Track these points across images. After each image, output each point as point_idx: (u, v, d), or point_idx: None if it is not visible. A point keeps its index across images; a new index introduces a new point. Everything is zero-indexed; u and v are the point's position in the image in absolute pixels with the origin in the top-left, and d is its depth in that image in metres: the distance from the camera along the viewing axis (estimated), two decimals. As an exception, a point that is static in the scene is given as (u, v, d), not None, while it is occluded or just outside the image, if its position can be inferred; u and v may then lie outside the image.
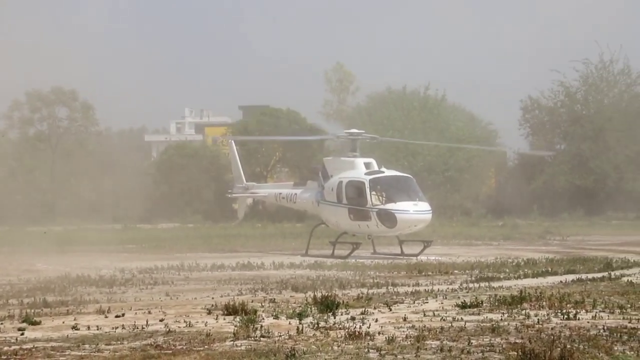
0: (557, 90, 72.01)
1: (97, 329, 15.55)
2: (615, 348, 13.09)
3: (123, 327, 15.78)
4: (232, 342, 14.04)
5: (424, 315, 16.93)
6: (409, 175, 35.40)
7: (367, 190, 33.20)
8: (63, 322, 16.44)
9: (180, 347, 13.70)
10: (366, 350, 13.20)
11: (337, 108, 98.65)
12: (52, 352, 13.33)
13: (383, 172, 34.28)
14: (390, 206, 32.78)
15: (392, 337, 14.09)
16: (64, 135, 73.99)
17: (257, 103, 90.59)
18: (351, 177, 33.94)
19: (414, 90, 72.16)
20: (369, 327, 15.36)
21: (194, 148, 74.12)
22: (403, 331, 14.95)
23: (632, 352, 12.76)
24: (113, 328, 15.66)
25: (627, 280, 23.05)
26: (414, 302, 19.00)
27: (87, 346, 13.81)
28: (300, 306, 18.03)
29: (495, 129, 75.13)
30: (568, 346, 12.80)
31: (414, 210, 32.73)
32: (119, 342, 14.14)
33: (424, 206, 33.12)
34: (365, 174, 33.79)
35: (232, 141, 44.78)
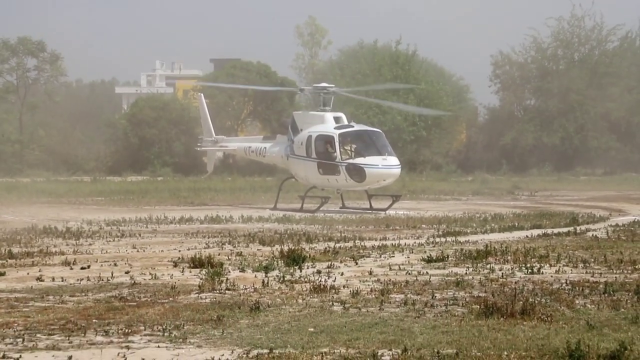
0: (529, 46, 72.18)
1: (62, 281, 15.50)
2: (577, 302, 13.22)
3: (88, 279, 15.74)
4: (197, 295, 14.04)
5: (390, 269, 17.01)
6: (379, 130, 35.40)
7: (337, 144, 33.17)
8: (28, 274, 16.38)
9: (145, 299, 13.69)
10: (330, 303, 13.24)
11: (309, 62, 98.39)
12: (16, 303, 13.28)
13: (352, 126, 34.25)
14: (359, 160, 32.79)
15: (357, 291, 14.15)
16: (32, 86, 73.26)
17: (230, 56, 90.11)
18: (320, 131, 33.88)
19: (385, 44, 72.05)
20: (334, 281, 15.42)
21: (164, 101, 73.69)
22: (368, 285, 15.02)
23: (593, 306, 12.89)
24: (78, 280, 15.62)
25: (592, 235, 23.28)
26: (380, 256, 19.09)
27: (51, 297, 13.77)
28: (266, 260, 18.05)
29: (466, 84, 75.39)
30: (530, 300, 12.91)
31: (383, 165, 32.76)
32: (84, 294, 14.11)
33: (393, 160, 33.16)
34: (335, 128, 33.74)
35: (202, 94, 44.57)
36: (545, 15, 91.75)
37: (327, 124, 34.09)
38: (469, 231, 24.97)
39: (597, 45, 72.03)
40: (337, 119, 34.41)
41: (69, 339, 10.80)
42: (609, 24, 71.87)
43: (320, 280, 15.29)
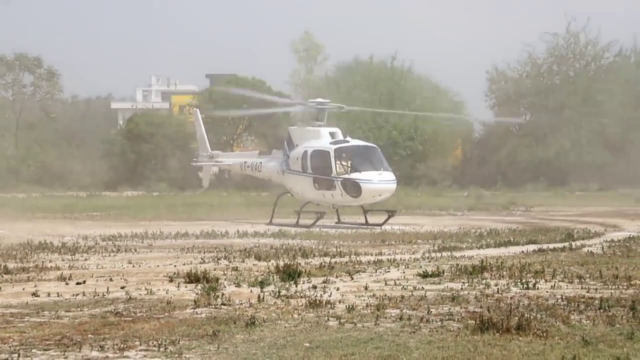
0: (524, 62, 72.39)
1: (58, 296, 15.49)
2: (572, 317, 13.23)
3: (84, 294, 15.73)
4: (192, 310, 14.04)
5: (385, 284, 17.02)
6: (374, 145, 35.47)
7: (332, 159, 33.20)
8: (23, 289, 16.37)
9: (141, 314, 13.68)
10: (326, 318, 13.25)
11: (305, 78, 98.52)
12: (11, 318, 13.27)
13: (348, 141, 34.29)
14: (354, 176, 32.82)
15: (353, 306, 14.15)
16: (28, 102, 73.30)
17: (225, 72, 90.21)
18: (316, 147, 33.92)
19: (381, 61, 72.21)
20: (330, 296, 15.42)
21: (160, 116, 73.80)
22: (364, 300, 15.02)
23: (589, 321, 12.91)
24: (73, 295, 15.61)
25: (588, 250, 23.31)
26: (376, 271, 19.09)
27: (46, 313, 13.76)
28: (262, 274, 18.05)
29: (461, 100, 75.51)
30: (526, 315, 12.91)
31: (379, 180, 32.79)
32: (79, 309, 14.10)
33: (388, 176, 33.19)
34: (331, 143, 33.78)
35: (197, 110, 44.67)
36: (540, 31, 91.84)
37: (323, 139, 34.13)
38: (464, 246, 24.99)
39: (592, 61, 72.25)
40: (332, 134, 34.46)
41: (64, 354, 10.80)
42: (604, 40, 72.18)
43: (316, 295, 15.29)
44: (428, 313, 13.65)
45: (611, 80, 70.47)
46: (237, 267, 19.80)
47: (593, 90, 69.25)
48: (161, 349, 11.07)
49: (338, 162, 33.24)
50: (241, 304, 14.64)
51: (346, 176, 32.92)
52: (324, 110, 35.31)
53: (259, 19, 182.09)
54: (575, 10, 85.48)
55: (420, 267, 19.48)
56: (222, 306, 14.41)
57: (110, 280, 17.69)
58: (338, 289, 16.43)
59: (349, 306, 14.13)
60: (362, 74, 70.70)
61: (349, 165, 33.25)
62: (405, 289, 16.35)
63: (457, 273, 18.38)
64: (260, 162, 37.35)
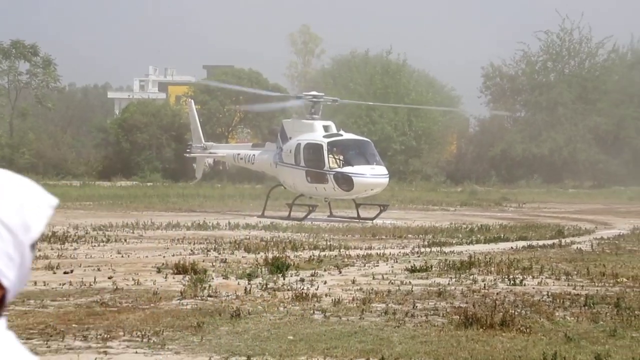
0: (519, 59, 72.42)
1: (44, 285, 15.50)
2: (557, 314, 13.28)
3: (70, 283, 15.74)
4: (178, 301, 14.06)
5: (373, 278, 17.05)
6: (367, 139, 35.47)
7: (325, 152, 33.18)
8: (10, 278, 16.33)
9: (126, 304, 13.70)
10: (311, 311, 13.27)
11: (302, 70, 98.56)
12: (-4, 307, 13.26)
13: (341, 135, 34.27)
14: (347, 169, 32.80)
15: (339, 299, 14.17)
16: (23, 90, 73.11)
17: (223, 63, 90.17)
18: (309, 140, 33.89)
19: (377, 54, 72.19)
20: (317, 289, 15.44)
21: (155, 106, 73.64)
22: (350, 294, 15.05)
23: (573, 318, 12.95)
24: (60, 284, 15.62)
25: (577, 247, 23.35)
26: (365, 265, 19.13)
27: (32, 302, 13.76)
28: (250, 267, 18.07)
29: (458, 95, 75.57)
30: (510, 311, 12.95)
31: (371, 174, 32.78)
32: (65, 299, 14.11)
33: (381, 170, 33.19)
34: (324, 136, 33.75)
35: (192, 101, 44.64)
36: (536, 28, 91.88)
37: (316, 132, 34.10)
38: (454, 242, 25.02)
39: (586, 58, 72.29)
40: (326, 127, 34.42)
41: (47, 344, 10.80)
42: (598, 37, 72.17)
43: (303, 289, 15.32)
44: (413, 308, 13.67)
45: (605, 78, 70.53)
46: (225, 259, 19.81)
47: (587, 88, 69.29)
48: (144, 340, 11.09)
49: (331, 155, 33.22)
50: (228, 296, 14.65)
51: (339, 170, 32.90)
52: (318, 103, 35.30)
53: (257, 12, 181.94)
54: (569, 7, 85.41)
55: (409, 261, 19.52)
56: (209, 298, 14.44)
57: (98, 270, 17.70)
58: (325, 282, 16.46)
59: (335, 300, 14.15)
60: (357, 67, 70.68)
61: (342, 158, 33.23)
62: (392, 283, 16.38)
63: (445, 268, 18.43)
64: (254, 155, 37.34)
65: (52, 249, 21.56)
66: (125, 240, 24.36)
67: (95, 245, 22.82)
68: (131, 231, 27.28)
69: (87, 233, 26.10)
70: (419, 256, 21.04)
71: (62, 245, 22.48)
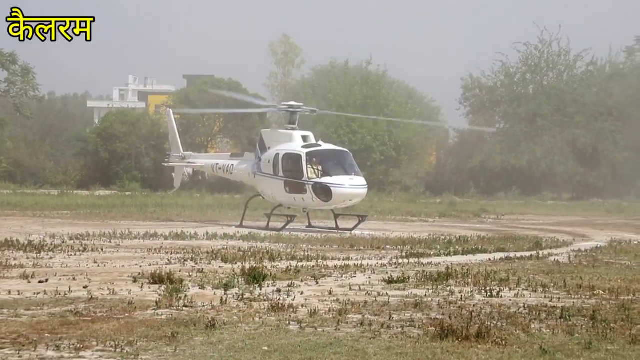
0: (498, 71, 72.71)
1: (18, 294, 15.36)
2: (533, 326, 13.27)
3: (45, 292, 15.61)
4: (153, 311, 13.96)
5: (350, 289, 17.00)
6: (346, 150, 35.45)
7: (304, 163, 33.12)
8: (-16, 287, 16.22)
9: (101, 314, 13.59)
10: (287, 322, 13.21)
11: (282, 81, 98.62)
12: (-31, 316, 13.14)
13: (320, 145, 34.24)
14: (326, 180, 32.75)
15: (315, 310, 14.12)
16: (2, 99, 72.69)
17: (203, 73, 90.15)
18: (288, 150, 33.85)
19: (357, 65, 72.31)
20: (293, 300, 15.38)
21: (134, 116, 73.46)
22: (327, 304, 15.00)
23: (548, 331, 12.94)
24: (35, 293, 15.48)
25: (554, 259, 23.38)
26: (342, 276, 19.07)
27: (5, 311, 13.63)
28: (227, 277, 17.98)
29: (437, 106, 75.80)
30: (486, 323, 12.94)
31: (350, 185, 32.75)
32: (39, 308, 13.98)
33: (359, 180, 33.17)
34: (302, 146, 33.71)
35: (170, 110, 44.51)
36: (514, 39, 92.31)
37: (295, 142, 34.07)
38: (432, 253, 25.01)
39: (564, 71, 72.63)
40: (304, 138, 34.39)
41: (19, 354, 10.70)
42: (576, 49, 72.50)
43: (279, 299, 15.25)
44: (390, 319, 13.64)
45: (583, 91, 70.89)
46: (202, 269, 19.71)
47: (565, 101, 69.60)
48: (118, 350, 11.00)
49: (309, 165, 33.17)
50: (203, 306, 14.57)
51: (317, 180, 32.86)
52: (296, 113, 35.28)
53: (238, 22, 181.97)
54: (547, 20, 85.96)
55: (387, 272, 19.47)
56: (184, 308, 14.34)
57: (74, 279, 17.57)
58: (302, 293, 16.40)
59: (311, 310, 14.10)
60: (337, 77, 70.77)
61: (321, 169, 33.18)
62: (369, 294, 16.33)
63: (423, 280, 18.40)
64: (232, 164, 37.26)
65: (27, 258, 21.39)
66: (102, 249, 24.22)
67: (71, 255, 22.66)
68: (108, 240, 27.13)
69: (63, 242, 25.92)
70: (396, 267, 21.00)
71: (38, 255, 22.31)
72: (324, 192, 32.68)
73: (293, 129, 34.81)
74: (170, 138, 42.25)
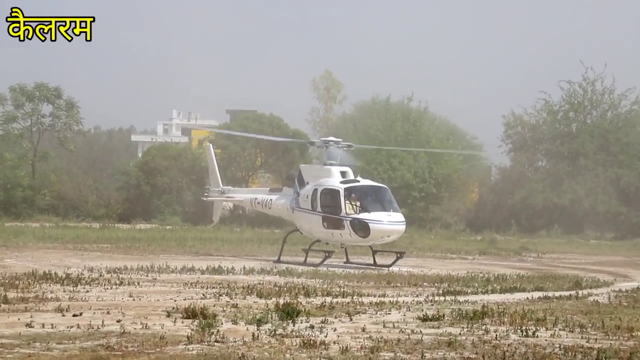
0: (540, 108, 72.24)
1: (52, 327, 15.42)
2: (567, 367, 13.05)
3: (78, 326, 15.65)
4: (184, 346, 13.93)
5: (384, 326, 16.86)
6: (384, 185, 35.38)
7: (342, 198, 33.09)
8: (19, 319, 16.30)
9: (132, 348, 13.59)
10: (318, 359, 13.11)
11: (324, 116, 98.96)
12: (1, 349, 13.19)
13: (358, 181, 34.21)
14: (363, 216, 32.69)
15: (347, 347, 14.01)
16: (46, 133, 73.58)
17: (246, 108, 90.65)
18: (326, 185, 33.85)
19: (398, 101, 72.30)
20: (325, 336, 15.28)
21: (176, 150, 73.94)
22: (359, 341, 14.88)
23: (584, 372, 12.72)
24: (68, 327, 15.53)
25: (593, 299, 23.04)
26: (377, 313, 18.94)
27: (37, 344, 13.68)
28: (261, 312, 17.92)
29: (479, 143, 75.39)
30: (520, 363, 12.75)
31: (388, 221, 32.65)
32: (71, 342, 14.02)
33: (397, 217, 33.06)
34: (341, 182, 33.69)
35: (210, 145, 44.76)
36: (558, 77, 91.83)
37: (333, 177, 34.06)
38: (469, 291, 24.77)
39: (608, 109, 72.00)
40: (343, 173, 34.37)
41: (47, 387, 10.71)
42: (621, 87, 71.79)
43: (311, 336, 15.16)
44: (422, 357, 13.49)
45: (627, 130, 70.18)
46: (237, 304, 19.67)
47: (609, 139, 68.95)
48: (146, 385, 10.97)
49: (347, 201, 33.14)
50: (235, 341, 14.52)
51: (355, 216, 32.81)
52: (335, 148, 35.26)
53: (281, 57, 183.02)
54: (593, 58, 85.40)
55: (422, 310, 19.30)
56: (215, 343, 14.31)
57: (108, 313, 17.61)
58: (335, 329, 16.29)
59: (343, 347, 13.99)
60: (378, 113, 70.77)
61: (359, 205, 33.13)
62: (403, 332, 16.19)
63: (458, 318, 18.21)
64: (271, 199, 37.31)
65: (64, 291, 21.52)
66: (139, 283, 24.29)
67: (107, 288, 22.75)
68: (145, 274, 27.21)
69: (100, 275, 26.05)
70: (432, 305, 20.82)
71: (75, 288, 22.43)
72: (361, 228, 32.61)
73: (332, 164, 34.81)
74: (209, 172, 42.45)
